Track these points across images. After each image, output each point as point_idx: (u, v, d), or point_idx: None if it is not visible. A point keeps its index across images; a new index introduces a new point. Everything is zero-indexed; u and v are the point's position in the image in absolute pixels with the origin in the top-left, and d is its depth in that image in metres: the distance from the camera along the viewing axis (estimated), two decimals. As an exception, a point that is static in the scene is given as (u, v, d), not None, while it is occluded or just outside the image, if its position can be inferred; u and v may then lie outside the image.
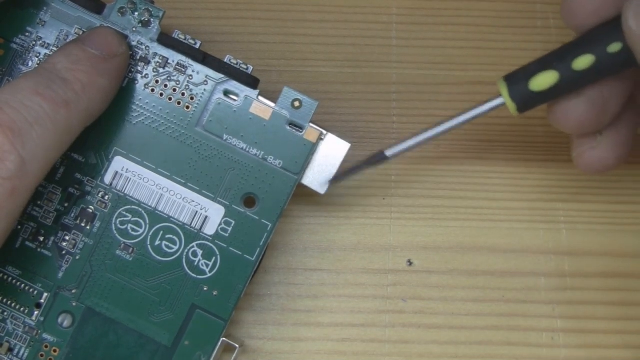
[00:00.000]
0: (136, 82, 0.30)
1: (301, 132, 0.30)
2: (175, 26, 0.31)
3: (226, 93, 0.30)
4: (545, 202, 0.35)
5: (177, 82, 0.30)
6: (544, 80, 0.27)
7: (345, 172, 0.31)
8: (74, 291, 0.30)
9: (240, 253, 0.30)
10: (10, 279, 0.30)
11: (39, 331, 0.30)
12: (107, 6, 0.30)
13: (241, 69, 0.30)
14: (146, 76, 0.30)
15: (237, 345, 0.30)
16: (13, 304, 0.30)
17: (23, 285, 0.30)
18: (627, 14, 0.25)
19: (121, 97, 0.30)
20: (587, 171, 0.30)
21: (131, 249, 0.30)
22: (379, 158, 0.30)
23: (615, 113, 0.28)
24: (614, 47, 0.26)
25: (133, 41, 0.30)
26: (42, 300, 0.30)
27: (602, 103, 0.28)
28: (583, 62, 0.27)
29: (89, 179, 0.30)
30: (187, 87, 0.30)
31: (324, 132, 0.30)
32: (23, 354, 0.30)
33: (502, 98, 0.28)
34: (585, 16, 0.27)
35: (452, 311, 0.34)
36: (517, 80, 0.28)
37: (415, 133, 0.30)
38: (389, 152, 0.30)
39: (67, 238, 0.30)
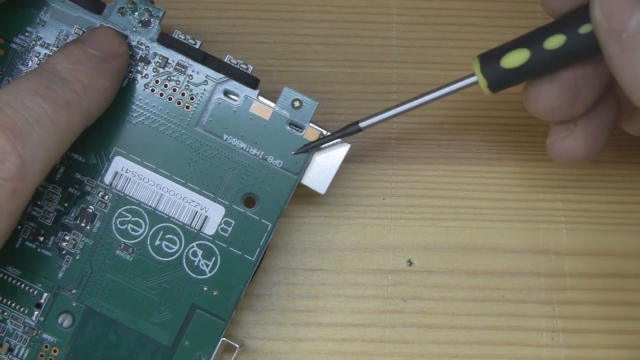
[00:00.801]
0: (136, 82, 0.30)
1: (301, 132, 0.30)
2: (175, 26, 0.31)
3: (226, 93, 0.30)
4: (545, 202, 0.35)
5: (177, 82, 0.30)
6: (515, 58, 0.28)
7: (317, 141, 0.30)
8: (74, 291, 0.30)
9: (240, 253, 0.30)
10: (10, 279, 0.30)
11: (39, 331, 0.30)
12: (107, 6, 0.30)
13: (241, 69, 0.30)
14: (146, 76, 0.30)
15: (237, 345, 0.30)
16: (13, 304, 0.30)
17: (23, 285, 0.30)
18: (593, 1, 0.26)
19: (121, 97, 0.30)
20: (557, 160, 0.30)
21: (131, 249, 0.30)
22: (352, 129, 0.30)
23: (589, 103, 0.28)
24: (585, 29, 0.27)
25: (133, 41, 0.30)
26: (42, 300, 0.30)
27: (574, 90, 0.28)
28: (554, 41, 0.27)
29: (89, 179, 0.30)
30: (187, 87, 0.30)
31: (324, 132, 0.30)
32: (23, 354, 0.30)
33: (475, 76, 0.28)
34: (560, 1, 0.28)
35: (452, 311, 0.34)
36: (489, 57, 0.28)
37: (389, 107, 0.30)
38: (362, 124, 0.30)
39: (67, 238, 0.30)
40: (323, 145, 0.30)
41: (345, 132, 0.30)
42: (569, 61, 0.27)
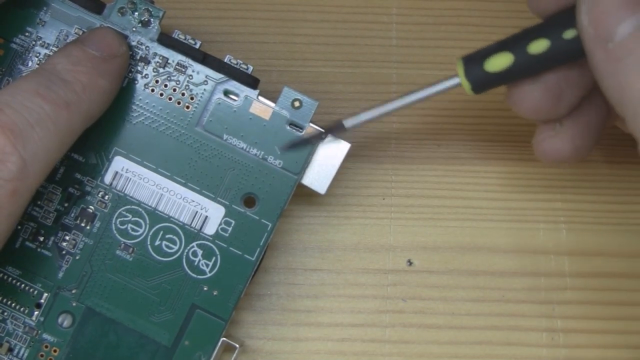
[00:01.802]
0: (136, 82, 0.30)
1: (301, 132, 0.30)
2: (175, 26, 0.31)
3: (226, 93, 0.30)
4: (545, 202, 0.35)
5: (177, 82, 0.30)
6: (498, 62, 0.27)
7: (302, 140, 0.30)
8: (74, 291, 0.30)
9: (240, 253, 0.30)
10: (10, 279, 0.30)
11: (39, 331, 0.30)
12: (107, 6, 0.30)
13: (241, 69, 0.30)
14: (146, 76, 0.30)
15: (237, 345, 0.30)
16: (13, 304, 0.30)
17: (23, 285, 0.30)
18: (580, 7, 0.25)
19: (121, 97, 0.30)
20: (543, 159, 0.30)
21: (131, 249, 0.30)
22: (337, 128, 0.30)
23: (572, 104, 0.28)
24: (569, 34, 0.26)
25: (133, 41, 0.30)
26: (42, 300, 0.30)
27: (558, 91, 0.28)
28: (538, 46, 0.27)
29: (89, 179, 0.30)
30: (187, 87, 0.30)
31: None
32: (23, 354, 0.30)
33: (458, 78, 0.28)
34: (546, 2, 0.27)
35: (452, 311, 0.34)
36: (473, 60, 0.28)
37: (372, 107, 0.30)
38: (347, 123, 0.30)
39: (67, 238, 0.30)
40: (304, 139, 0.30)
41: (330, 130, 0.30)
42: (553, 65, 0.27)
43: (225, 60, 0.30)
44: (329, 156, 0.31)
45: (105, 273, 0.30)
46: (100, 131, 0.30)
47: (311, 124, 0.30)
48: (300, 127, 0.30)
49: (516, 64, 0.27)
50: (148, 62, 0.30)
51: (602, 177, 0.35)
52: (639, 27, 0.24)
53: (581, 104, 0.29)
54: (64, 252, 0.30)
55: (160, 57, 0.30)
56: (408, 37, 0.36)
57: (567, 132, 0.29)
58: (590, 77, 0.28)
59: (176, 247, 0.30)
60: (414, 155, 0.35)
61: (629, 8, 0.24)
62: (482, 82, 0.28)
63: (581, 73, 0.28)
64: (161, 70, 0.30)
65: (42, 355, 0.30)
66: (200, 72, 0.30)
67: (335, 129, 0.30)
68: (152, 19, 0.30)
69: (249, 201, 0.30)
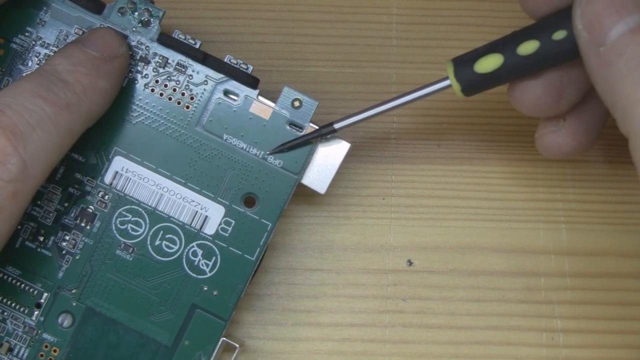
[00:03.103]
0: (136, 82, 0.30)
1: (301, 131, 0.30)
2: (175, 26, 0.31)
3: (226, 93, 0.30)
4: (545, 202, 0.35)
5: (177, 82, 0.30)
6: (488, 63, 0.28)
7: (291, 142, 0.30)
8: (74, 291, 0.30)
9: (240, 253, 0.30)
10: (10, 279, 0.30)
11: (39, 331, 0.30)
12: (107, 6, 0.30)
13: (241, 68, 0.30)
14: (146, 76, 0.30)
15: (237, 345, 0.30)
16: (13, 304, 0.30)
17: (23, 285, 0.30)
18: (574, 10, 0.25)
19: (121, 97, 0.30)
20: (545, 154, 0.30)
21: (131, 249, 0.30)
22: (327, 130, 0.30)
23: (574, 101, 0.28)
24: (559, 35, 0.26)
25: (133, 41, 0.30)
26: (42, 300, 0.30)
27: (559, 88, 0.28)
28: (527, 47, 0.27)
29: (89, 178, 0.30)
30: (187, 87, 0.30)
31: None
32: (23, 354, 0.30)
33: (448, 80, 0.28)
34: (538, 3, 0.27)
35: (452, 311, 0.34)
36: (463, 62, 0.28)
37: (363, 109, 0.30)
38: (337, 125, 0.30)
39: (67, 238, 0.30)
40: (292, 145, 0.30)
41: (321, 133, 0.30)
42: (543, 67, 0.27)
43: (225, 60, 0.30)
44: (329, 156, 0.31)
45: (106, 273, 0.30)
46: (100, 131, 0.30)
47: (311, 124, 0.30)
48: (300, 127, 0.30)
49: (505, 64, 0.27)
50: (148, 62, 0.30)
51: (602, 177, 0.35)
52: (629, 31, 0.24)
53: (584, 100, 0.29)
54: (64, 252, 0.30)
55: (160, 57, 0.30)
56: (408, 37, 0.36)
57: (570, 128, 0.29)
58: None
59: (176, 247, 0.30)
60: (414, 155, 0.35)
61: (619, 12, 0.24)
62: (471, 83, 0.28)
63: (582, 71, 0.28)
64: (161, 70, 0.30)
65: (42, 355, 0.30)
66: (200, 72, 0.30)
67: (326, 132, 0.30)
68: (152, 19, 0.30)
69: (249, 201, 0.30)
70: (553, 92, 0.28)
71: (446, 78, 0.28)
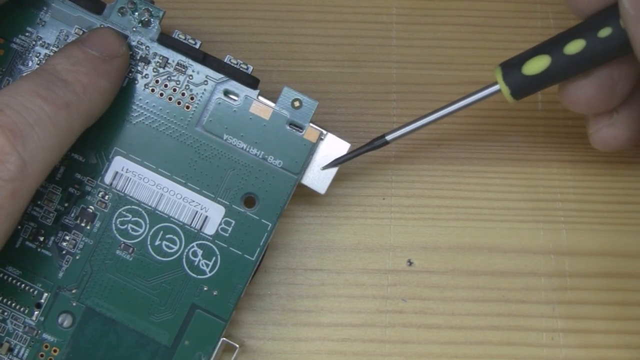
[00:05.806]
0: (136, 82, 0.30)
1: (301, 132, 0.30)
2: (175, 26, 0.31)
3: (226, 93, 0.30)
4: (545, 202, 0.35)
5: (177, 82, 0.30)
6: (536, 65, 0.28)
7: (345, 156, 0.30)
8: (74, 291, 0.30)
9: (240, 253, 0.30)
10: (10, 279, 0.30)
11: (39, 331, 0.30)
12: (107, 6, 0.30)
13: (241, 69, 0.30)
14: (146, 76, 0.30)
15: (237, 345, 0.30)
16: (13, 304, 0.30)
17: (23, 285, 0.30)
18: None
19: (121, 97, 0.30)
20: (602, 148, 0.31)
21: (131, 249, 0.30)
22: (379, 142, 0.31)
23: (625, 94, 0.29)
24: (604, 32, 0.27)
25: (133, 41, 0.30)
26: (42, 300, 0.30)
27: (611, 85, 0.28)
28: (574, 46, 0.27)
29: (89, 178, 0.30)
30: (187, 87, 0.30)
31: (324, 132, 0.30)
32: (23, 354, 0.30)
33: (498, 85, 0.29)
34: (584, 2, 0.28)
35: (452, 311, 0.34)
36: (511, 65, 0.29)
37: (414, 119, 0.30)
38: (389, 137, 0.31)
39: (67, 238, 0.30)
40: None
41: (373, 145, 0.31)
42: (590, 65, 0.28)
43: (225, 60, 0.30)
44: (329, 156, 0.31)
45: (106, 273, 0.30)
46: (100, 131, 0.30)
47: (311, 124, 0.30)
48: (300, 127, 0.30)
49: (553, 65, 0.28)
50: (148, 62, 0.30)
51: (603, 177, 0.35)
52: None
53: (634, 90, 0.29)
54: (64, 252, 0.30)
55: (160, 57, 0.30)
56: (408, 37, 0.36)
57: (624, 120, 0.30)
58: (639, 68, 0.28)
59: (176, 247, 0.30)
60: (414, 155, 0.35)
61: None
62: (521, 86, 0.28)
63: (632, 64, 0.28)
64: (161, 70, 0.30)
65: (42, 355, 0.30)
66: (200, 72, 0.30)
67: (378, 145, 0.31)
68: (152, 19, 0.30)
69: (249, 201, 0.30)
70: (605, 89, 0.28)
71: (495, 83, 0.29)
